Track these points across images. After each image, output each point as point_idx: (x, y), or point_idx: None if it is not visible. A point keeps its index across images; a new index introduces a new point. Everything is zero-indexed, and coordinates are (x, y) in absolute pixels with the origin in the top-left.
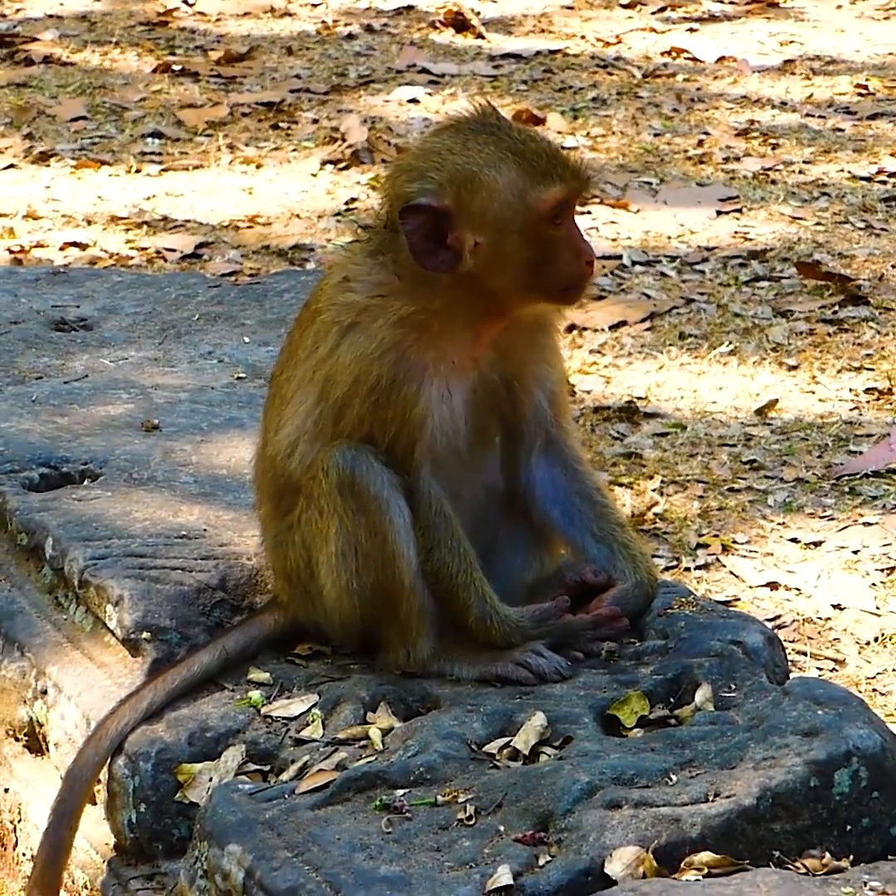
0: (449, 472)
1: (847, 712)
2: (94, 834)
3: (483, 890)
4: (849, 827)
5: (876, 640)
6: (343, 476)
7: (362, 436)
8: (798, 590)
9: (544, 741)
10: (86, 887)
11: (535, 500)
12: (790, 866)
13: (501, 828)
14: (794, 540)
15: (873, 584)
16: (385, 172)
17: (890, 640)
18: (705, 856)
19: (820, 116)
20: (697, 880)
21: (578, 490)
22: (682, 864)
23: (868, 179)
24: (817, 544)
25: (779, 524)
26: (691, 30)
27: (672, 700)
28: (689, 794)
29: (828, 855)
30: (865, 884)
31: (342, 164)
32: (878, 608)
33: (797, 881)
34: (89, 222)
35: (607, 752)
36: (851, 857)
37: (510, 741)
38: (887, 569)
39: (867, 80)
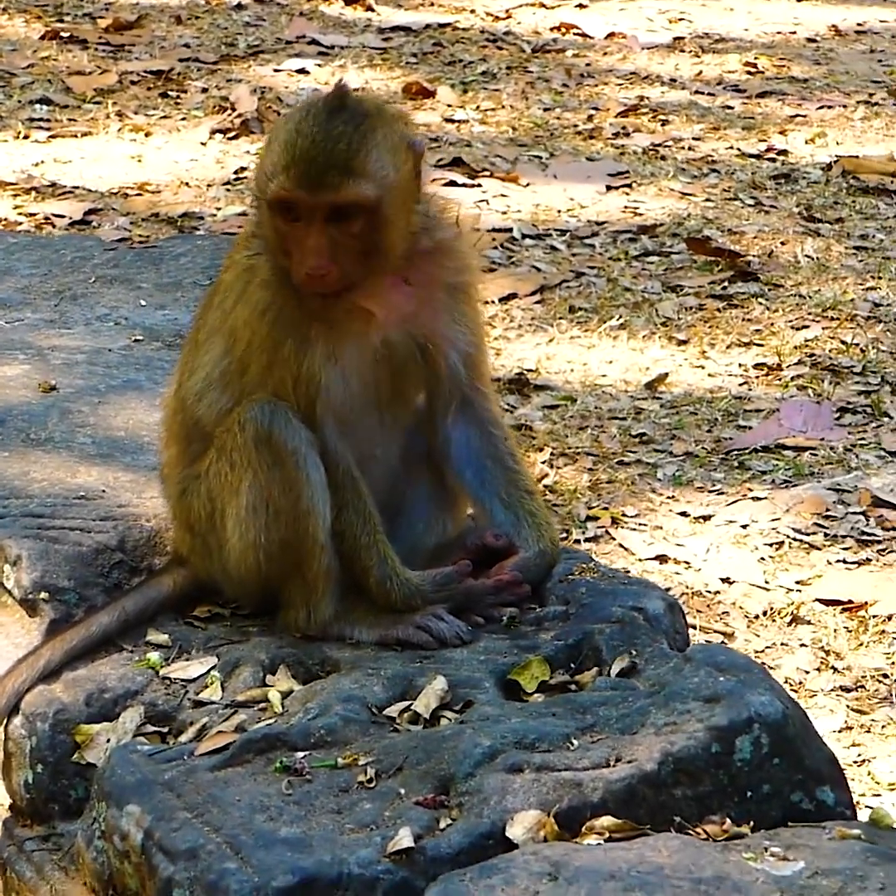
0: (359, 432)
1: (748, 679)
2: None
3: (384, 852)
4: (750, 793)
5: (764, 613)
6: (260, 430)
7: (269, 391)
8: (687, 563)
9: (445, 705)
10: None
11: (450, 460)
12: (691, 832)
13: (402, 791)
14: (684, 514)
15: (762, 559)
16: None
17: (778, 614)
18: (606, 820)
19: (709, 94)
20: (599, 844)
21: (491, 453)
22: (583, 829)
23: (757, 156)
24: (706, 518)
25: (668, 498)
26: (580, 6)
27: (572, 666)
28: (591, 758)
29: (728, 821)
30: (766, 849)
31: (231, 134)
32: (766, 582)
33: (698, 847)
34: None
35: (508, 717)
36: (752, 823)
37: (411, 705)
38: (776, 543)
39: (756, 58)
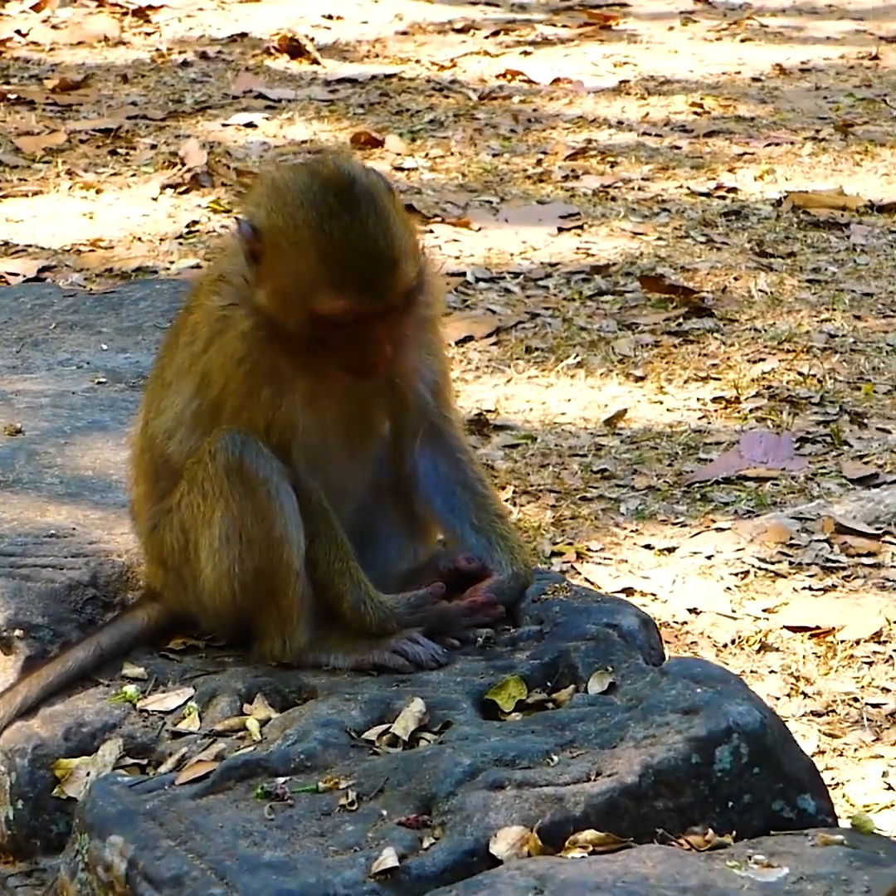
0: (330, 467)
1: (726, 690)
2: None
3: (368, 872)
4: (731, 803)
5: (733, 642)
6: (231, 460)
7: (242, 426)
8: (653, 595)
9: (423, 727)
10: None
11: (418, 488)
12: (674, 843)
13: (384, 812)
14: (648, 546)
15: (728, 588)
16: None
17: (746, 642)
18: (589, 834)
19: (657, 135)
20: (583, 858)
21: (460, 480)
22: (566, 843)
23: (707, 195)
24: (671, 550)
25: (632, 531)
26: (525, 53)
27: (549, 684)
28: (571, 773)
29: (711, 831)
30: (750, 858)
31: (182, 188)
32: (733, 611)
33: (683, 856)
34: None
35: (487, 736)
36: (734, 832)
37: (389, 727)
38: (741, 573)
39: (702, 99)
